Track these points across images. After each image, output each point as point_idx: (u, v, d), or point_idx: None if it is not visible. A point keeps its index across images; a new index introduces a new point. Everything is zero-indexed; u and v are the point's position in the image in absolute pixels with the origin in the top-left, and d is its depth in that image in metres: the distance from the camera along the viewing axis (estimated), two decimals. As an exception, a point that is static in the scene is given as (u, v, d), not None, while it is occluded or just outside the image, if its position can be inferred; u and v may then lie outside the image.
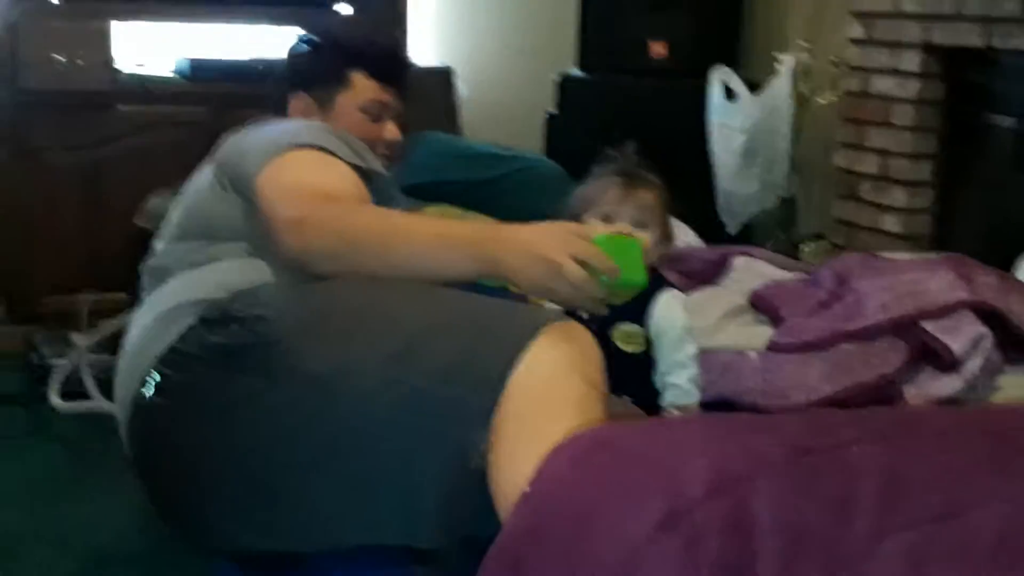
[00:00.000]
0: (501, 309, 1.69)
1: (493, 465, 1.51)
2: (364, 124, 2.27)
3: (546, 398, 1.52)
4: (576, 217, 1.92)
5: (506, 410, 1.52)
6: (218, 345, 1.75)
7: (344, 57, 2.29)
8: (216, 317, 1.78)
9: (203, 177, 2.09)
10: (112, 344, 3.04)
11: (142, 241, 3.26)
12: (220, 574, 1.96)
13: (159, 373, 1.79)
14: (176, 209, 2.12)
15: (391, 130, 2.32)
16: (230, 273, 1.90)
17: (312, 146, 1.98)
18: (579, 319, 1.79)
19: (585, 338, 1.61)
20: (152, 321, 1.87)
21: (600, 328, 1.85)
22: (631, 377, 1.83)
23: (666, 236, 1.95)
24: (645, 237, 1.87)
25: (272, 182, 1.90)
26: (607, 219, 1.88)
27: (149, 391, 1.80)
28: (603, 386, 1.57)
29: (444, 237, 1.75)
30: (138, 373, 1.83)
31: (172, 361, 1.79)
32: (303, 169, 1.93)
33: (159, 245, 2.09)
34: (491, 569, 1.35)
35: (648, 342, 1.89)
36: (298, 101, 2.27)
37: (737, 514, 1.20)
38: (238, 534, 1.77)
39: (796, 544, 1.18)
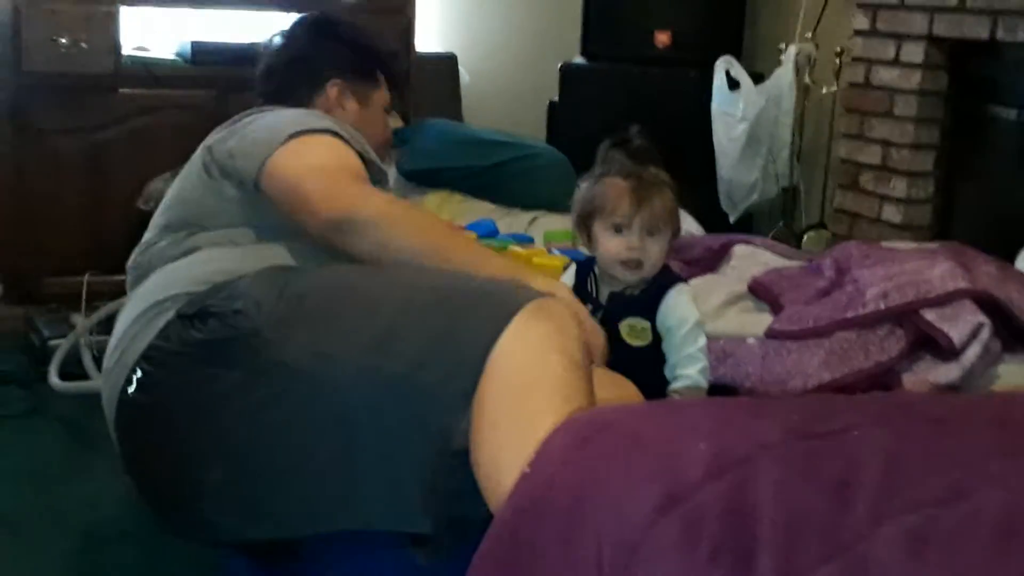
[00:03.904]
0: (478, 290, 1.68)
1: (476, 448, 1.50)
2: (385, 122, 2.41)
3: (526, 378, 1.51)
4: (585, 221, 1.90)
5: (486, 392, 1.52)
6: (197, 340, 1.74)
7: (376, 57, 2.41)
8: (193, 312, 1.77)
9: (190, 166, 2.08)
10: (112, 325, 3.05)
11: (143, 224, 3.28)
12: (222, 556, 1.97)
13: (141, 370, 1.79)
14: (163, 201, 2.12)
15: (395, 122, 2.47)
16: (207, 264, 1.89)
17: (326, 131, 1.99)
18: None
19: (564, 314, 1.60)
20: (133, 318, 1.86)
21: (607, 322, 1.85)
22: (637, 370, 1.83)
23: (675, 235, 1.94)
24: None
25: (298, 160, 1.91)
26: (618, 229, 1.87)
27: (132, 388, 1.80)
28: (584, 361, 1.56)
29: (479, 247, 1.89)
30: (122, 371, 1.83)
31: (153, 358, 1.78)
32: (331, 150, 1.96)
33: (146, 237, 2.08)
34: (490, 548, 1.35)
35: (655, 335, 1.88)
36: (335, 89, 2.31)
37: (737, 497, 1.20)
38: (229, 526, 1.77)
39: (796, 527, 1.17)
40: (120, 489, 2.37)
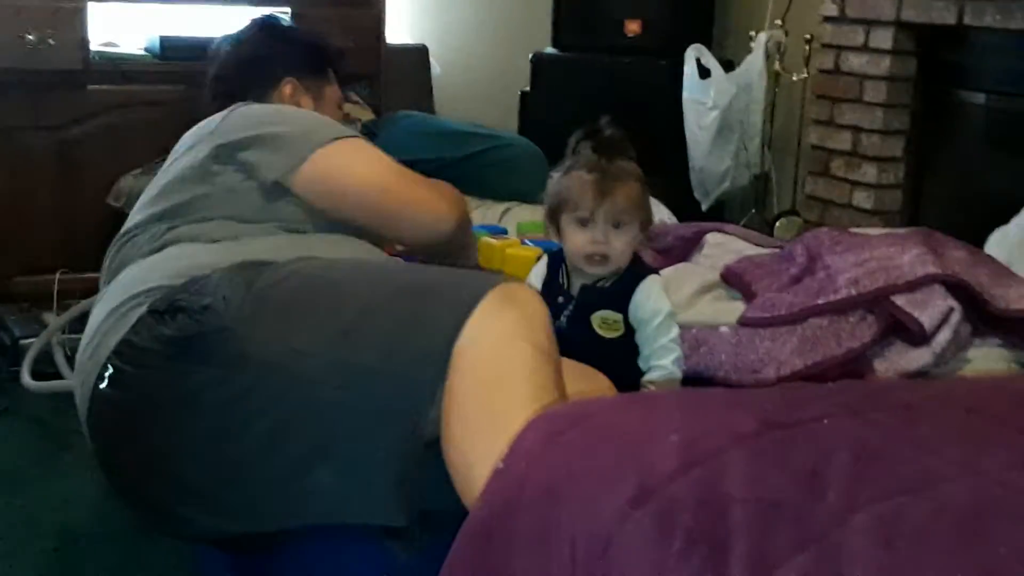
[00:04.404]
0: (443, 279, 1.69)
1: (447, 442, 1.51)
2: (338, 117, 2.48)
3: (495, 369, 1.52)
4: (554, 215, 1.90)
5: (455, 383, 1.52)
6: (167, 337, 1.73)
7: (326, 55, 2.53)
8: (164, 308, 1.77)
9: (187, 159, 2.10)
10: (84, 324, 3.03)
11: (115, 221, 3.26)
12: (198, 552, 1.96)
13: (113, 366, 1.78)
14: (145, 196, 2.12)
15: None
16: (180, 260, 1.89)
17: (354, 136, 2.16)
18: (555, 307, 1.80)
19: (529, 299, 1.60)
20: (107, 313, 1.86)
21: (579, 315, 1.85)
22: (611, 361, 1.83)
23: (645, 226, 1.93)
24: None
25: (379, 165, 2.12)
26: (583, 223, 1.86)
27: (104, 383, 1.79)
28: (551, 347, 1.57)
29: None
30: (95, 366, 1.82)
31: (125, 354, 1.77)
32: (378, 154, 2.16)
33: (125, 229, 2.09)
34: (464, 544, 1.35)
35: (627, 327, 1.89)
36: (289, 87, 2.42)
37: (709, 489, 1.21)
38: (203, 521, 1.77)
39: (768, 518, 1.18)
40: (95, 488, 2.38)
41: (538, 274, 1.96)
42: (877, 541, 1.14)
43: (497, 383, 1.50)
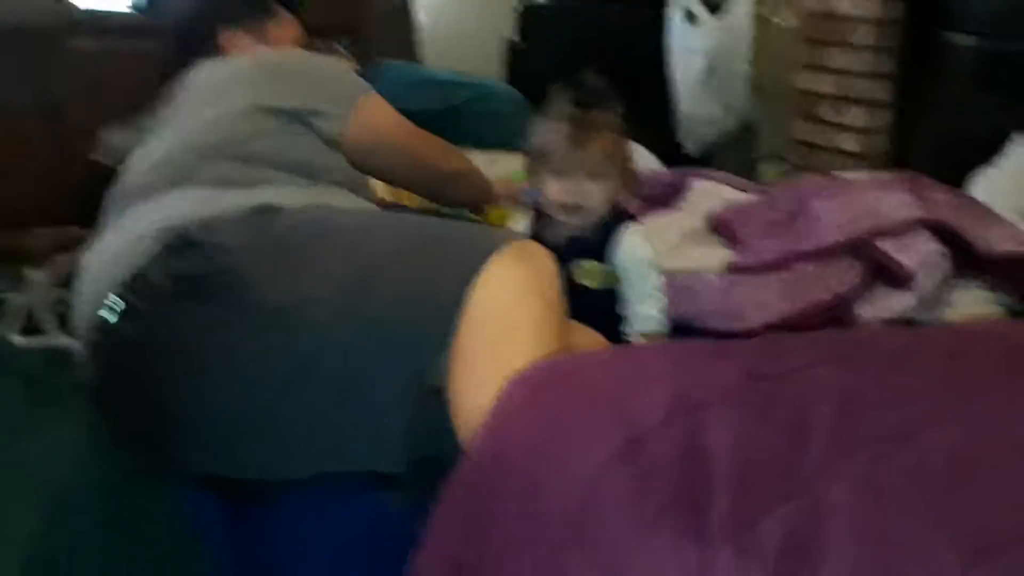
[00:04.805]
0: (456, 233, 1.70)
1: (453, 390, 1.52)
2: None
3: (504, 320, 1.53)
4: (534, 166, 1.90)
5: (465, 334, 1.53)
6: (180, 273, 1.74)
7: None
8: (179, 245, 1.77)
9: (230, 101, 2.10)
10: (69, 280, 3.02)
11: (100, 176, 3.25)
12: (190, 503, 1.97)
13: (123, 299, 1.79)
14: (157, 141, 2.11)
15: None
16: (200, 203, 1.89)
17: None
18: None
19: (541, 256, 1.61)
20: (117, 246, 1.86)
21: (561, 264, 1.85)
22: (594, 312, 1.83)
23: (627, 178, 1.93)
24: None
25: (392, 119, 2.24)
26: (560, 175, 1.86)
27: (113, 317, 1.79)
28: (561, 304, 1.58)
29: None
30: (102, 298, 1.82)
31: (136, 288, 1.77)
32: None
33: (128, 174, 2.08)
34: (451, 496, 1.36)
35: (609, 277, 1.89)
36: (234, 37, 2.37)
37: (692, 442, 1.21)
38: (201, 462, 1.77)
39: (752, 470, 1.18)
40: (84, 443, 2.38)
41: (524, 224, 1.96)
42: (859, 492, 1.15)
43: (506, 334, 1.52)
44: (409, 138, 2.28)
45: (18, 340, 2.92)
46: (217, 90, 2.14)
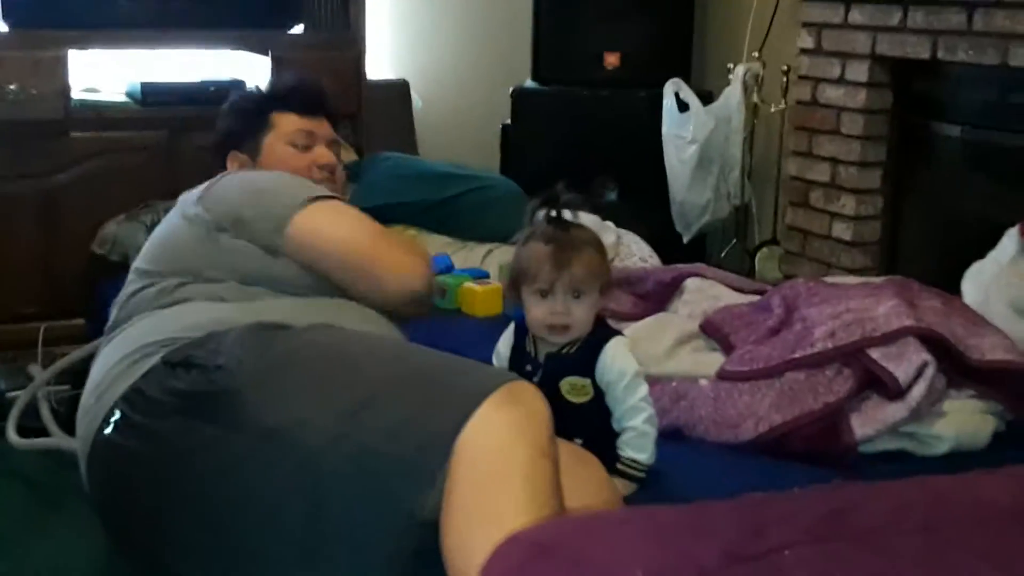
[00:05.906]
0: (454, 368, 1.72)
1: (444, 533, 1.53)
2: (294, 156, 2.40)
3: (494, 463, 1.55)
4: (515, 286, 1.91)
5: (456, 471, 1.55)
6: (178, 390, 1.77)
7: (258, 103, 2.47)
8: (178, 360, 1.80)
9: (180, 218, 2.15)
10: (70, 376, 3.03)
11: (98, 267, 3.27)
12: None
13: (120, 412, 1.81)
14: (147, 246, 2.18)
15: (322, 153, 2.43)
16: (198, 314, 1.93)
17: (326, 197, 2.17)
18: (524, 375, 1.82)
19: (534, 400, 1.63)
20: (118, 359, 1.89)
21: (547, 381, 1.87)
22: (583, 424, 1.86)
23: (606, 288, 1.94)
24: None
25: (358, 231, 2.14)
26: (543, 294, 1.87)
27: (109, 428, 1.82)
28: (551, 448, 1.59)
29: None
30: (101, 410, 1.85)
31: (134, 401, 1.81)
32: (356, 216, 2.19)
33: (130, 280, 2.13)
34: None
35: (596, 390, 1.91)
36: (233, 160, 2.42)
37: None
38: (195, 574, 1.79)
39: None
40: (86, 552, 2.37)
41: (506, 342, 1.98)
42: None
43: (497, 479, 1.53)
44: (344, 245, 2.13)
45: (16, 440, 2.89)
46: (187, 201, 2.20)
